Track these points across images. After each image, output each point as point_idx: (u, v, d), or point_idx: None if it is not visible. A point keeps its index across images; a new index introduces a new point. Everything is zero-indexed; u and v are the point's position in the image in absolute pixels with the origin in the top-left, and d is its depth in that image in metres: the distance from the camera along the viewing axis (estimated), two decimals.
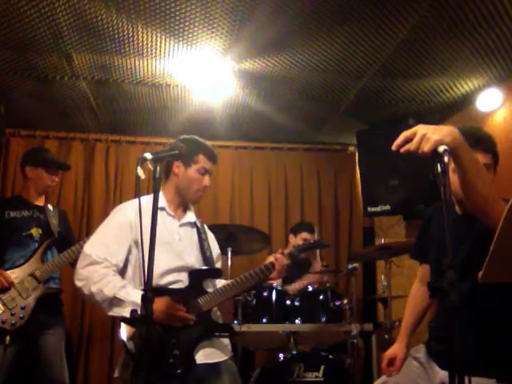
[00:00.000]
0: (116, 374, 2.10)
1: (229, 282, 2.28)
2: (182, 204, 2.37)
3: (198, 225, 2.41)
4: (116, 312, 2.07)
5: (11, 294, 2.86)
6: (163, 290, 2.12)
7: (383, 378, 2.12)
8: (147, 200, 2.04)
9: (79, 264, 2.17)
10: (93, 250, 2.16)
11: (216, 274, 2.34)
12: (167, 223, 2.28)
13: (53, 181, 3.26)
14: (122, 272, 2.20)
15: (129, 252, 2.19)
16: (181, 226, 2.33)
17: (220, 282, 2.39)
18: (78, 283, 2.14)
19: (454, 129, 1.54)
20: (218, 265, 2.49)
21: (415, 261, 2.30)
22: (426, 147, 1.46)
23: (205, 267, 2.29)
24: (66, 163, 3.55)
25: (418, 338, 2.27)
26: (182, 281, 2.20)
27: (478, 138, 1.91)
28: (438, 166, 1.41)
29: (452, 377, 1.30)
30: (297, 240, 4.22)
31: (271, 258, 2.35)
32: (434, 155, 1.46)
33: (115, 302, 2.07)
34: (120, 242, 2.17)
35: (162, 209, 2.28)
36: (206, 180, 2.32)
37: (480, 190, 1.62)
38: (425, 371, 2.02)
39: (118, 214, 2.26)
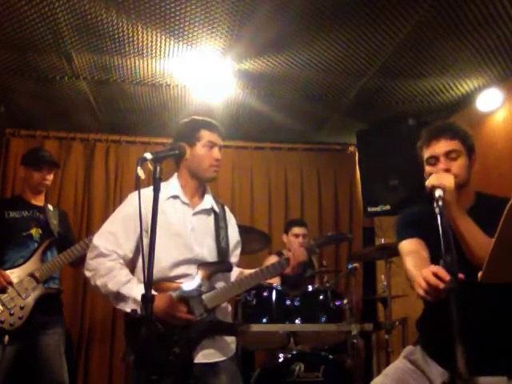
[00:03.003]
0: (121, 357, 2.10)
1: (240, 278, 2.23)
2: (199, 188, 2.29)
3: (217, 210, 2.31)
4: (121, 306, 2.06)
5: (10, 294, 2.86)
6: (170, 285, 2.09)
7: (378, 379, 2.06)
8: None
9: (88, 255, 2.16)
10: (101, 241, 2.14)
11: (226, 267, 2.24)
12: (180, 212, 2.21)
13: (44, 179, 3.23)
14: (133, 262, 2.17)
15: (138, 243, 2.14)
16: (195, 214, 2.24)
17: (234, 274, 2.32)
18: (87, 273, 2.13)
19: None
20: (236, 252, 2.39)
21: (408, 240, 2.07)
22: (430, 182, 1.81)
23: (214, 261, 2.21)
24: (54, 161, 3.40)
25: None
26: (191, 274, 2.14)
27: (440, 128, 2.00)
28: (437, 208, 1.68)
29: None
30: (289, 238, 4.21)
31: (271, 260, 2.32)
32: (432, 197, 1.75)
33: (119, 296, 2.05)
34: (129, 234, 2.13)
35: (176, 197, 2.22)
36: (216, 152, 2.26)
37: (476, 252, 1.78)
38: (422, 374, 1.97)
39: (128, 204, 2.21)
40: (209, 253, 2.21)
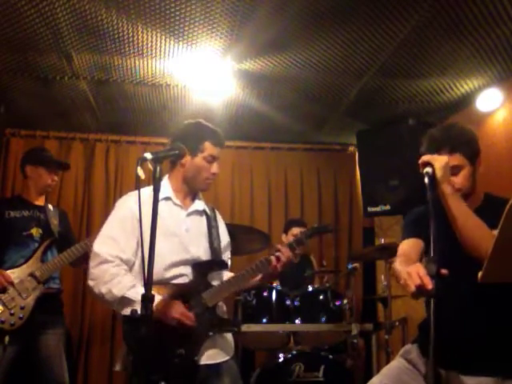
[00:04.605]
0: (117, 368, 2.09)
1: (234, 274, 2.22)
2: (191, 192, 2.29)
3: (208, 212, 2.32)
4: (126, 312, 2.01)
5: (11, 294, 2.86)
6: (166, 286, 2.08)
7: (375, 379, 2.03)
8: (149, 192, 2.01)
9: (91, 263, 2.12)
10: (103, 247, 2.10)
11: (220, 265, 2.25)
12: (174, 213, 2.20)
13: (53, 180, 3.25)
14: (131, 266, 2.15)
15: (138, 245, 2.13)
16: (188, 215, 2.24)
17: (227, 274, 2.32)
18: (90, 283, 2.09)
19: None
20: (227, 254, 2.40)
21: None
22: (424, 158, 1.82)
23: (208, 259, 2.21)
24: (66, 162, 3.56)
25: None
26: (186, 275, 2.14)
27: (439, 141, 1.94)
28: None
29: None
30: (288, 238, 4.21)
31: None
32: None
33: (125, 301, 2.02)
34: (128, 236, 2.12)
35: (168, 198, 2.20)
36: (214, 167, 2.24)
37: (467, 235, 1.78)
38: (418, 373, 1.96)
39: (123, 207, 2.20)
40: (204, 253, 2.22)
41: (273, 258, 2.16)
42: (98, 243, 2.14)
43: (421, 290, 1.56)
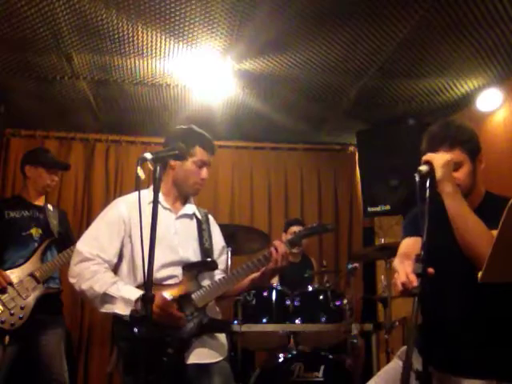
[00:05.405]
0: (109, 369, 2.10)
1: (224, 275, 2.23)
2: (181, 196, 2.31)
3: (199, 216, 2.34)
4: (107, 308, 2.05)
5: (10, 294, 2.86)
6: (157, 287, 2.07)
7: (372, 381, 2.03)
8: (143, 195, 2.00)
9: (72, 260, 2.16)
10: (85, 246, 2.14)
11: (210, 265, 2.25)
12: (162, 217, 2.17)
13: (52, 180, 3.26)
14: (117, 267, 2.18)
15: (122, 247, 2.16)
16: (177, 218, 2.27)
17: (219, 275, 2.32)
18: (71, 280, 2.13)
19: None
20: (223, 258, 2.40)
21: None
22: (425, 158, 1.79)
23: (198, 260, 2.22)
24: (66, 163, 3.56)
25: None
26: (176, 276, 2.15)
27: (438, 137, 1.90)
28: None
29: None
30: (287, 237, 4.20)
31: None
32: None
33: (106, 298, 2.05)
34: (112, 238, 2.15)
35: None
36: (204, 173, 2.26)
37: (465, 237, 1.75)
38: (412, 372, 1.98)
39: (112, 209, 2.24)
40: (194, 254, 2.23)
41: (273, 250, 2.16)
42: (81, 241, 2.19)
43: (405, 288, 1.56)
